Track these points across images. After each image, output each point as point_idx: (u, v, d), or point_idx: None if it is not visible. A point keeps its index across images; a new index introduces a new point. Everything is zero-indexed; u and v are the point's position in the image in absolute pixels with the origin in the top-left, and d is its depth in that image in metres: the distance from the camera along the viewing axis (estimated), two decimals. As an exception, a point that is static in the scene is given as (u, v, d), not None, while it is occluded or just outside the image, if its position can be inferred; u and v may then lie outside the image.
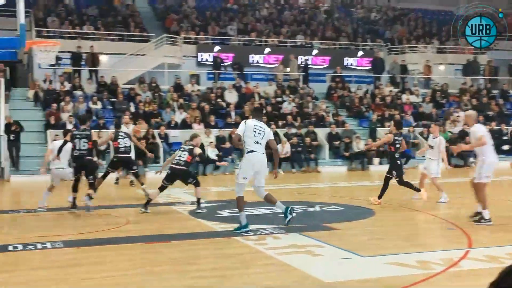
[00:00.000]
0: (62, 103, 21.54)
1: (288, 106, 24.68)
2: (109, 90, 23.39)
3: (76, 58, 24.30)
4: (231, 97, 24.76)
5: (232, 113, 23.49)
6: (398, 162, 12.68)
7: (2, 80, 21.33)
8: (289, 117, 23.36)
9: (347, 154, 22.47)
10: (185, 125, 22.12)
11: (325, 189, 16.75)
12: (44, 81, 23.09)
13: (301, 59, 29.52)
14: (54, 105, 21.19)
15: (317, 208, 11.92)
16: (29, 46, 10.91)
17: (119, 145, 13.07)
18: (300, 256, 7.59)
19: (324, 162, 22.34)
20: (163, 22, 30.91)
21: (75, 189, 11.78)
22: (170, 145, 21.17)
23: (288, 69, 28.24)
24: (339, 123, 24.17)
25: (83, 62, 24.59)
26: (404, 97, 27.17)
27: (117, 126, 14.78)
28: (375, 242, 8.65)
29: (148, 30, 28.90)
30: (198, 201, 11.52)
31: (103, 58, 25.51)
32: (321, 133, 23.37)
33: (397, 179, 12.54)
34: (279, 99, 25.60)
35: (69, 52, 24.11)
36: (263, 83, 27.00)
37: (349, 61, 30.73)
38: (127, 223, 10.21)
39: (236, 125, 22.37)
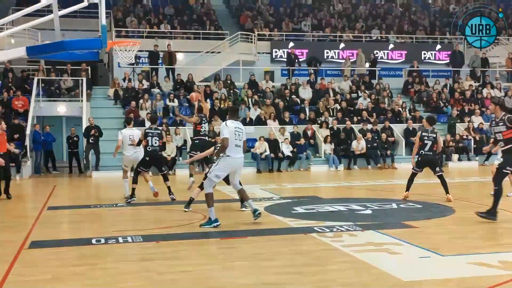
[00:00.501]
0: (141, 101, 22.12)
1: (363, 102, 24.36)
2: (185, 88, 23.82)
3: (153, 56, 24.89)
4: (306, 93, 24.68)
5: (307, 109, 23.41)
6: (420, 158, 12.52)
7: (84, 79, 22.14)
8: (364, 113, 23.04)
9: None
10: (259, 121, 22.23)
11: (402, 186, 16.36)
12: (124, 79, 23.80)
13: (376, 54, 29.10)
14: (133, 103, 21.79)
15: (394, 205, 11.70)
16: (110, 46, 11.26)
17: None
18: (378, 254, 7.46)
19: (400, 158, 21.91)
20: (238, 20, 31.18)
21: (135, 181, 12.71)
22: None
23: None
24: (416, 118, 23.63)
25: (160, 61, 25.15)
26: (485, 91, 26.24)
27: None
28: (455, 241, 8.39)
29: (223, 28, 29.24)
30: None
31: (179, 56, 26.01)
32: (397, 129, 22.93)
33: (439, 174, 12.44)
34: (354, 95, 25.31)
35: (146, 51, 24.74)
36: (338, 78, 26.77)
37: (426, 55, 29.97)
38: (204, 218, 10.36)
39: (311, 121, 22.41)
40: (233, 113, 9.85)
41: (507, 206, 11.44)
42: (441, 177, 12.34)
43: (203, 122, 13.65)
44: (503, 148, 9.79)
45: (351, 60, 27.47)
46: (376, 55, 28.34)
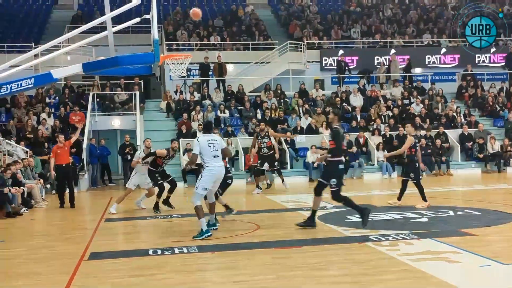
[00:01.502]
0: (192, 113, 22.38)
1: (416, 108, 23.98)
2: (236, 98, 23.99)
3: (204, 68, 25.17)
4: (357, 100, 24.48)
5: (358, 117, 23.21)
6: (416, 164, 12.56)
7: (137, 93, 22.58)
8: (418, 119, 22.67)
9: (480, 155, 21.40)
10: (310, 130, 22.17)
11: (459, 192, 16.06)
12: (175, 92, 24.15)
13: (428, 58, 28.70)
14: (185, 115, 22.07)
15: (451, 213, 11.45)
16: (162, 60, 11.47)
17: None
18: (436, 263, 7.32)
19: (456, 165, 21.45)
20: (286, 29, 31.24)
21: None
22: (296, 150, 21.31)
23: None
24: (472, 123, 23.10)
25: (210, 72, 25.42)
26: (543, 94, 25.46)
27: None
28: (517, 248, 8.16)
29: (272, 38, 29.34)
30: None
31: (229, 67, 26.22)
32: (452, 134, 22.45)
33: (415, 181, 12.43)
34: (406, 101, 24.96)
35: (197, 63, 25.04)
36: (389, 85, 26.46)
37: (481, 58, 29.30)
38: (258, 228, 10.39)
39: (362, 128, 22.20)
40: (206, 128, 10.18)
41: None
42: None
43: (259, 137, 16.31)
44: None
45: (385, 66, 26.99)
46: (409, 60, 27.80)
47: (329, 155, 10.02)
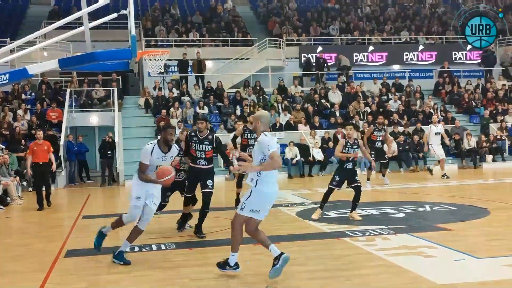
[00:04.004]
0: (171, 109, 22.30)
1: (393, 104, 24.16)
2: (215, 95, 23.95)
3: (183, 65, 25.09)
4: (335, 97, 24.59)
5: (337, 113, 23.32)
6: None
7: (115, 89, 22.43)
8: (395, 115, 22.83)
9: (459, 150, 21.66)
10: (289, 126, 22.23)
11: (435, 188, 16.22)
12: (154, 88, 24.03)
13: (406, 55, 28.94)
14: (164, 111, 21.98)
15: (428, 208, 11.57)
16: (140, 56, 11.39)
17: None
18: (412, 258, 7.40)
19: (433, 160, 21.62)
20: (266, 26, 31.25)
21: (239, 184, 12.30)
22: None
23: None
24: (448, 119, 23.34)
25: (189, 69, 25.34)
26: (518, 91, 25.81)
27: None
28: (491, 243, 8.27)
29: (251, 34, 29.33)
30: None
31: (208, 64, 26.15)
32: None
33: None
34: (384, 97, 25.13)
35: (176, 59, 24.95)
36: (367, 81, 26.62)
37: (457, 55, 29.61)
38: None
39: (341, 125, 22.28)
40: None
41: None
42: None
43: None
44: None
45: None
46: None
47: None
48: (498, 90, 25.59)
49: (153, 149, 7.73)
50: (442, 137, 18.37)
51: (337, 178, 10.66)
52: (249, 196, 6.61)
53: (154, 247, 8.60)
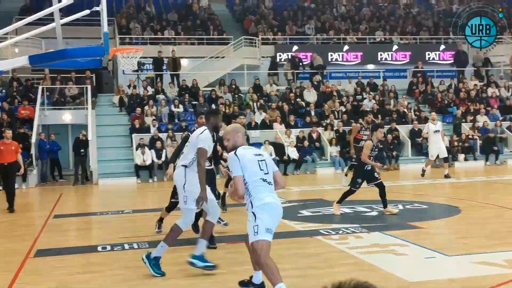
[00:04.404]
0: (146, 107, 22.16)
1: (368, 104, 24.32)
2: (190, 93, 23.86)
3: (157, 63, 24.95)
4: (311, 96, 24.67)
5: (312, 112, 23.40)
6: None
7: (89, 87, 22.22)
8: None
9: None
10: (265, 125, 22.24)
11: (408, 187, 16.36)
12: (128, 86, 23.86)
13: (380, 55, 29.17)
14: (138, 110, 21.83)
15: (400, 207, 11.66)
16: (112, 54, 11.28)
17: None
18: (384, 256, 7.45)
19: (407, 160, 21.86)
20: (241, 24, 31.22)
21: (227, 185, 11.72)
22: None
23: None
24: (422, 119, 23.58)
25: (164, 67, 25.20)
26: (490, 91, 26.16)
27: None
28: (461, 240, 8.37)
29: (226, 33, 29.28)
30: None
31: (183, 62, 26.04)
32: (403, 130, 22.88)
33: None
34: (359, 97, 25.28)
35: (151, 57, 24.80)
36: (343, 81, 26.77)
37: (430, 55, 29.93)
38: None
39: (316, 124, 22.39)
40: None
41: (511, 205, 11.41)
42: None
43: None
44: None
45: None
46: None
47: None
48: (470, 90, 25.92)
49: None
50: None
51: (359, 181, 10.87)
52: (255, 218, 5.46)
53: (126, 246, 8.53)
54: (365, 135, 15.58)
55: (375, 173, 10.82)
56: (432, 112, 19.89)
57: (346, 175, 16.07)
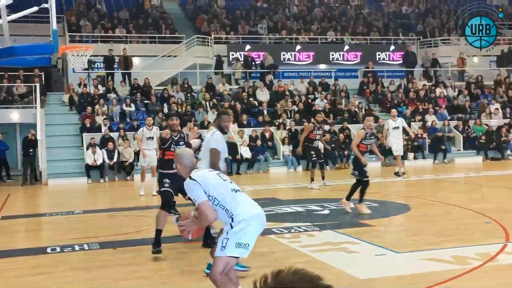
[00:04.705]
0: (97, 106, 21.83)
1: (320, 103, 24.58)
2: (142, 92, 23.61)
3: (108, 61, 24.59)
4: (263, 95, 24.77)
5: (265, 112, 23.50)
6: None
7: (38, 85, 21.73)
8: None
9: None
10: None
11: (360, 185, 16.60)
12: (79, 85, 23.44)
13: (332, 55, 29.52)
14: (89, 109, 21.48)
15: (352, 205, 11.81)
16: (62, 51, 11.11)
17: None
18: (335, 253, 7.56)
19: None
20: (194, 23, 31.09)
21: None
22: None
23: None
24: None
25: (116, 65, 24.87)
26: (438, 91, 26.81)
27: None
28: (410, 238, 8.57)
29: (179, 32, 29.11)
30: None
31: (135, 61, 25.76)
32: (354, 129, 23.19)
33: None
34: (311, 96, 25.52)
35: (101, 55, 24.43)
36: (295, 80, 26.97)
37: (381, 56, 30.46)
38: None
39: (268, 123, 22.50)
40: None
41: (462, 203, 11.73)
42: None
43: None
44: None
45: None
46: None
47: None
48: (419, 90, 26.49)
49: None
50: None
51: (365, 169, 10.78)
52: (229, 230, 4.92)
53: (76, 247, 8.40)
54: (318, 134, 15.59)
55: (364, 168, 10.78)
56: (393, 110, 19.19)
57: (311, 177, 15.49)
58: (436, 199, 12.50)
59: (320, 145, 16.50)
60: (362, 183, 10.76)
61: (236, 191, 5.08)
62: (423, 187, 16.09)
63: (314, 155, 15.43)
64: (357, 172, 10.80)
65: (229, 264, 4.95)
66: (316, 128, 15.61)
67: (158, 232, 7.70)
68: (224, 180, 5.11)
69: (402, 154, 18.03)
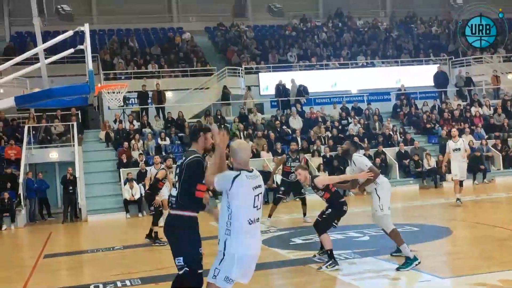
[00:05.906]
0: (133, 142, 22.14)
1: (353, 128, 24.48)
2: (176, 125, 23.88)
3: (142, 96, 24.99)
4: (296, 123, 24.80)
5: (298, 139, 23.49)
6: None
7: (75, 123, 22.18)
8: (356, 139, 23.13)
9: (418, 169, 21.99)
10: (252, 154, 22.26)
11: (398, 209, 16.39)
12: (114, 121, 23.85)
13: (363, 79, 29.46)
14: (125, 144, 21.80)
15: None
16: (98, 91, 11.34)
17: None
18: (378, 281, 7.45)
19: (395, 182, 21.90)
20: (224, 55, 31.45)
21: None
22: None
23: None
24: (408, 141, 23.76)
25: (149, 100, 25.24)
26: (473, 110, 26.45)
27: None
28: (454, 262, 8.40)
29: (209, 64, 29.45)
30: None
31: (168, 95, 26.10)
32: (390, 152, 23.01)
33: None
34: (344, 121, 25.45)
35: (135, 91, 24.82)
36: (327, 106, 26.93)
37: (413, 78, 30.16)
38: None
39: (303, 150, 22.45)
40: None
41: (502, 223, 11.47)
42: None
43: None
44: None
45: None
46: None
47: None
48: (454, 110, 26.19)
49: None
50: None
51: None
52: (221, 261, 5.29)
53: (119, 284, 8.45)
54: (292, 166, 13.79)
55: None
56: (453, 129, 17.50)
57: (270, 216, 14.17)
58: (478, 220, 12.24)
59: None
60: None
61: (250, 223, 5.28)
62: (464, 209, 15.77)
63: (281, 191, 14.46)
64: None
65: None
66: (290, 159, 14.31)
67: None
68: (254, 206, 5.30)
69: (464, 179, 15.84)
